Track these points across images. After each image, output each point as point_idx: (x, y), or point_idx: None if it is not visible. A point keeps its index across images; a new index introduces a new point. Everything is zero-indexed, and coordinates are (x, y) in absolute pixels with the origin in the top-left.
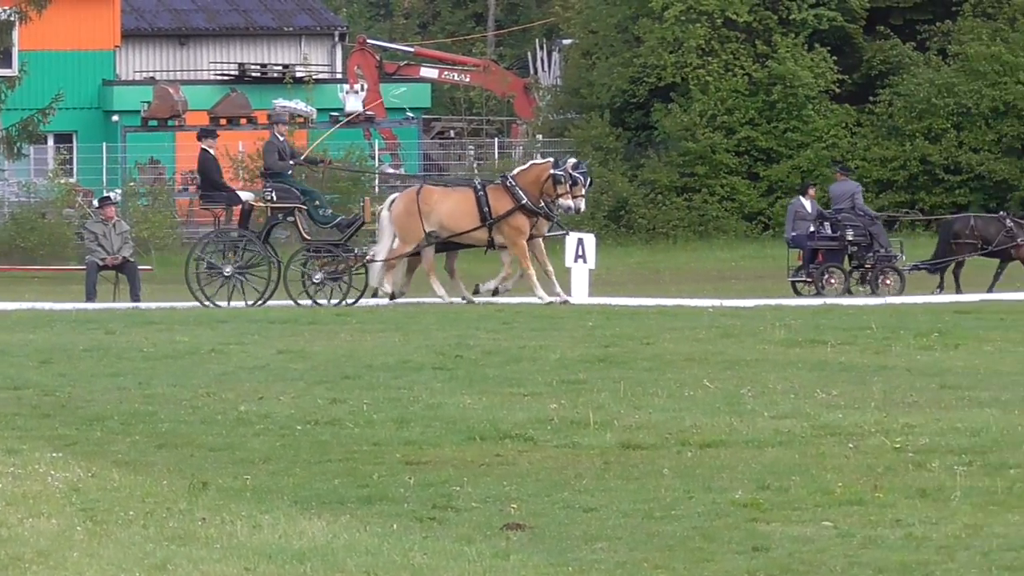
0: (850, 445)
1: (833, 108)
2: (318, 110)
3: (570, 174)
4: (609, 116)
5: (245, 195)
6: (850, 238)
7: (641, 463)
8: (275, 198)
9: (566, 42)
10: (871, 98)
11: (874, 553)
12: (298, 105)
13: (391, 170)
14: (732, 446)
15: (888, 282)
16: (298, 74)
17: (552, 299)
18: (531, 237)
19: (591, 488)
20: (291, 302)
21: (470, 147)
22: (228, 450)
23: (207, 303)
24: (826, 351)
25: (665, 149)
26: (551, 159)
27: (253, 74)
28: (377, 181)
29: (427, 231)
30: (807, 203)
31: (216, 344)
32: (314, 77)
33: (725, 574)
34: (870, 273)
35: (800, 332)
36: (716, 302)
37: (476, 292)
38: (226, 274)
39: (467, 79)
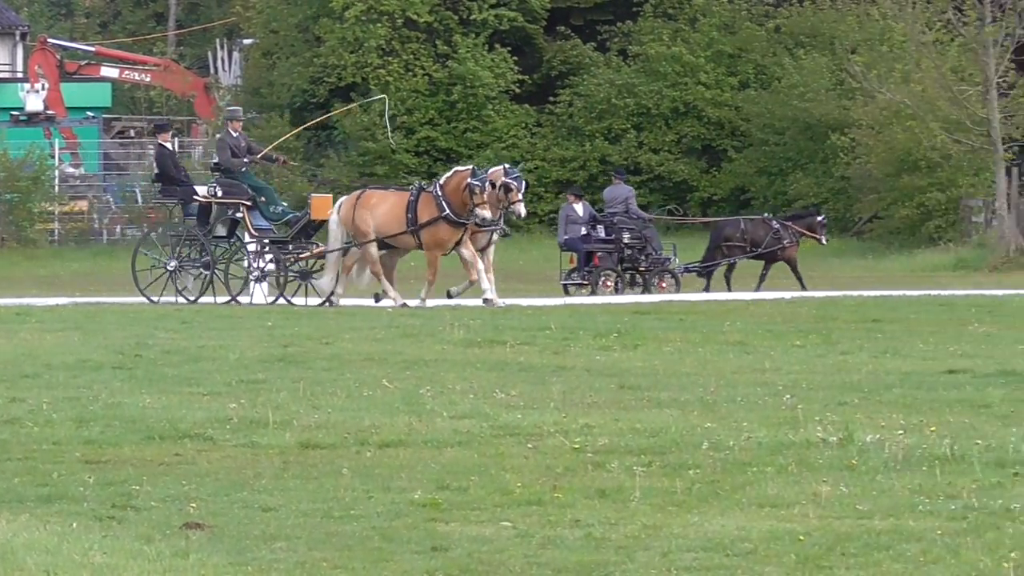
0: (529, 445)
1: (513, 108)
2: None
3: (504, 182)
4: (289, 116)
5: (200, 190)
6: (626, 241)
7: (320, 463)
8: (219, 193)
9: (247, 42)
10: (551, 98)
11: (553, 553)
12: None
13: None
14: (411, 446)
15: (663, 285)
16: None
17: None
18: (482, 248)
19: (270, 488)
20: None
21: (150, 147)
22: None
23: (157, 299)
24: (505, 351)
25: (345, 149)
26: (472, 167)
27: None
28: (57, 181)
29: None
30: (578, 207)
31: None
32: None
33: (404, 574)
34: (644, 275)
35: (479, 332)
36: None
37: (449, 296)
38: (169, 268)
39: (147, 78)
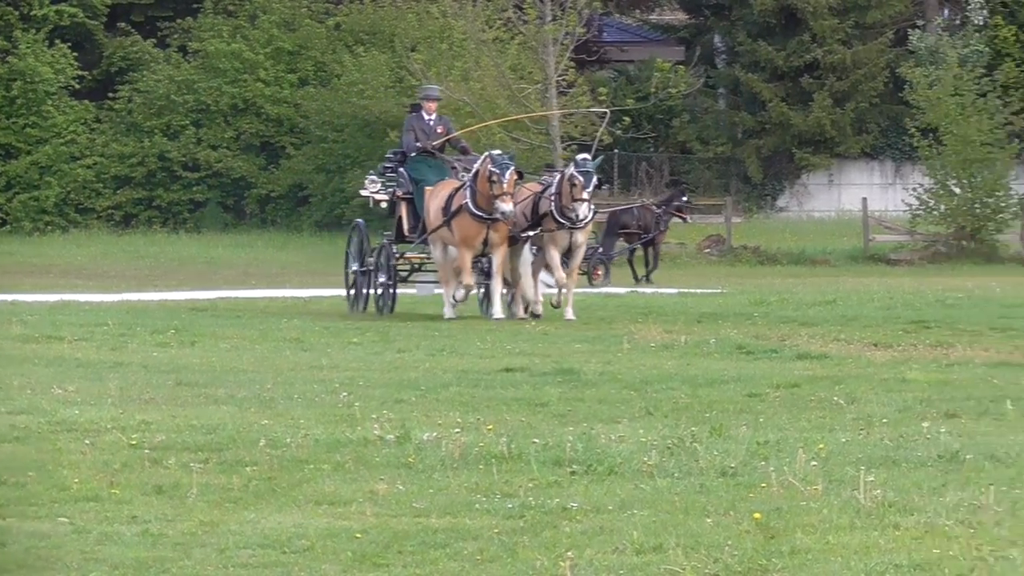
0: (87, 441)
1: (72, 104)
2: None
3: (571, 175)
4: None
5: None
6: None
7: None
8: (374, 187)
9: None
10: (111, 94)
11: (111, 549)
12: None
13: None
14: None
15: (599, 273)
16: None
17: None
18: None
19: None
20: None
21: None
22: None
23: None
24: (63, 347)
25: None
26: (493, 152)
27: None
28: None
29: None
30: None
31: None
32: None
33: None
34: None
35: (36, 328)
36: None
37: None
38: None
39: None
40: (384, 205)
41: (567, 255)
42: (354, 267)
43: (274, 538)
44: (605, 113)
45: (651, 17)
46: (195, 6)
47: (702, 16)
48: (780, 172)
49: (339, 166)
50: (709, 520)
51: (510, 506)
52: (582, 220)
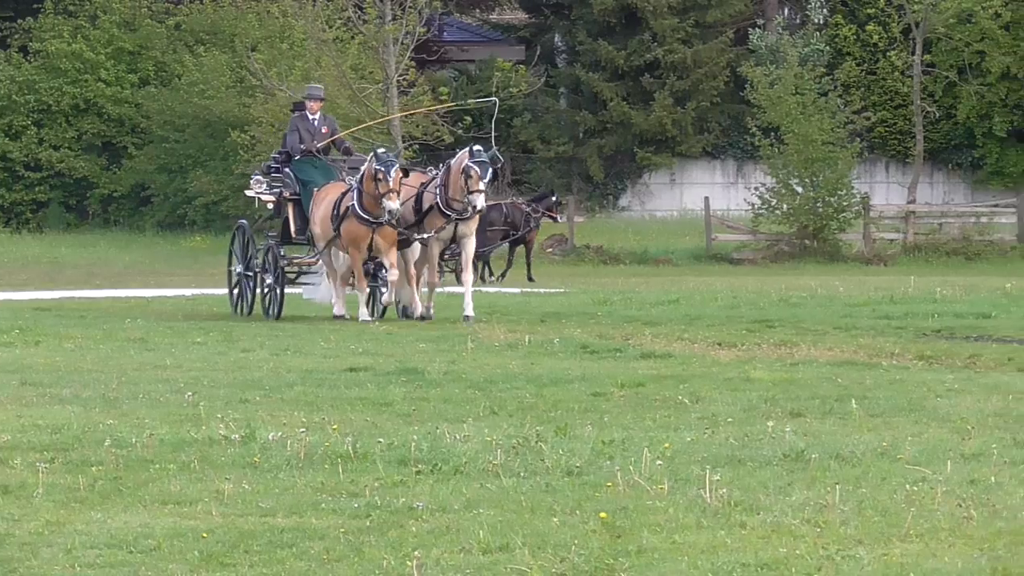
0: None
1: None
2: None
3: (466, 166)
4: None
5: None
6: None
7: None
8: (259, 187)
9: None
10: None
11: None
12: None
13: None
14: None
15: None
16: None
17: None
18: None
19: None
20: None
21: None
22: None
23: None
24: None
25: None
26: (380, 150)
27: None
28: None
29: None
30: None
31: None
32: None
33: None
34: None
35: None
36: None
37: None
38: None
39: None
40: (271, 206)
41: (451, 247)
42: (238, 268)
43: (121, 538)
44: (494, 102)
45: (491, 16)
46: (35, 6)
47: (542, 15)
48: (622, 171)
49: (181, 166)
50: (555, 519)
51: (356, 506)
52: (476, 211)
